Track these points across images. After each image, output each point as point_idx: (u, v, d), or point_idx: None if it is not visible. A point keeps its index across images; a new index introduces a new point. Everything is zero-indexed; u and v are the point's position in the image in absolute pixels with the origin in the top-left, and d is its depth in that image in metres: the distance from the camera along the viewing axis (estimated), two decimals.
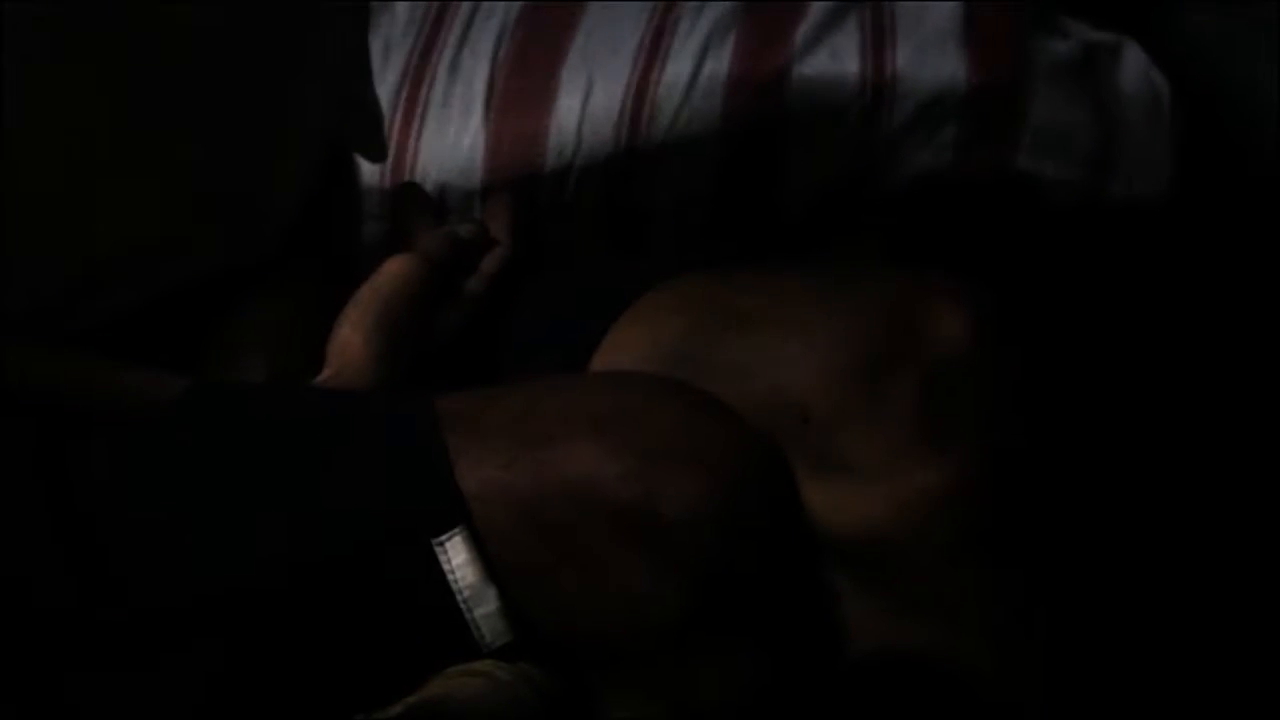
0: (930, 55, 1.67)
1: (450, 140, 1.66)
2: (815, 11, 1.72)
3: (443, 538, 0.96)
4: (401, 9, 1.79)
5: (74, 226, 1.09)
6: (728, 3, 1.75)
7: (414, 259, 1.19)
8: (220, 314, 1.20)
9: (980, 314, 1.11)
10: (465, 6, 1.79)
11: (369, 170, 1.54)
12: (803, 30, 1.70)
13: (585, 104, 1.66)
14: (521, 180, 1.64)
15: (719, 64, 1.68)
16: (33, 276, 1.09)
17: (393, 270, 1.18)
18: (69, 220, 1.09)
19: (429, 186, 1.65)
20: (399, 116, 1.68)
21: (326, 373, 1.14)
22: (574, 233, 1.64)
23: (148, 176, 1.11)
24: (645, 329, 1.15)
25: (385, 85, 1.68)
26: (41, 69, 1.03)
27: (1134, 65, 1.73)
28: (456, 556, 0.96)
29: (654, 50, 1.70)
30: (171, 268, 1.16)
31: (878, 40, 1.69)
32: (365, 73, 1.36)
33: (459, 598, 0.96)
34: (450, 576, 0.96)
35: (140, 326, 1.15)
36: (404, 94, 1.70)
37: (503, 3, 1.79)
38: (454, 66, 1.72)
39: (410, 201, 1.33)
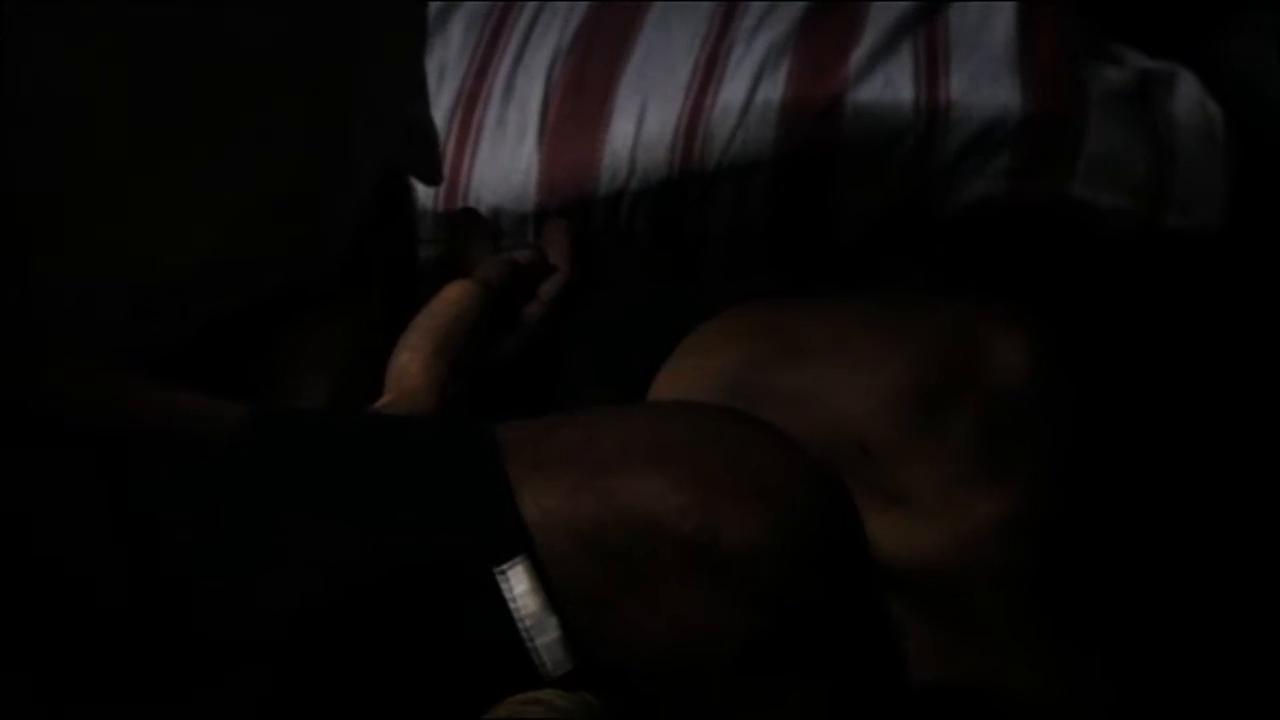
0: (985, 82, 1.67)
1: (504, 163, 1.67)
2: (870, 38, 1.72)
3: (504, 567, 0.96)
4: (456, 31, 1.79)
5: (134, 248, 1.10)
6: (782, 28, 1.75)
7: (472, 285, 1.19)
8: (278, 337, 1.20)
9: (1038, 344, 1.11)
10: (519, 30, 1.80)
11: (423, 193, 1.54)
12: (857, 56, 1.70)
13: (639, 128, 1.66)
14: (575, 204, 1.64)
15: (773, 90, 1.68)
16: (94, 298, 1.09)
17: (451, 296, 1.19)
18: (129, 241, 1.09)
19: (483, 209, 1.65)
20: (453, 139, 1.68)
21: (385, 398, 1.14)
22: (627, 257, 1.64)
23: (207, 196, 1.11)
24: (703, 358, 1.15)
25: (440, 108, 1.68)
26: (104, 95, 1.04)
27: (1188, 94, 1.72)
28: (518, 585, 0.96)
29: (708, 75, 1.70)
30: (230, 288, 1.16)
31: (932, 67, 1.69)
32: (422, 95, 1.36)
33: (520, 626, 0.96)
34: (511, 605, 0.96)
35: (199, 349, 1.16)
36: (458, 116, 1.70)
37: (556, 26, 1.80)
38: (508, 89, 1.72)
39: (468, 226, 1.33)
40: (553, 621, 0.96)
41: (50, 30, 1.01)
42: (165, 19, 1.05)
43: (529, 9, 1.82)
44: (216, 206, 1.12)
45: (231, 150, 1.11)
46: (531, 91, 1.72)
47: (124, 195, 1.07)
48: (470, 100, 1.71)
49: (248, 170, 1.13)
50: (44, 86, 1.02)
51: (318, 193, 1.19)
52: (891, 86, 1.67)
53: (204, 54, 1.07)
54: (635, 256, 1.64)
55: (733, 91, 1.68)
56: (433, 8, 1.76)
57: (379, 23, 1.18)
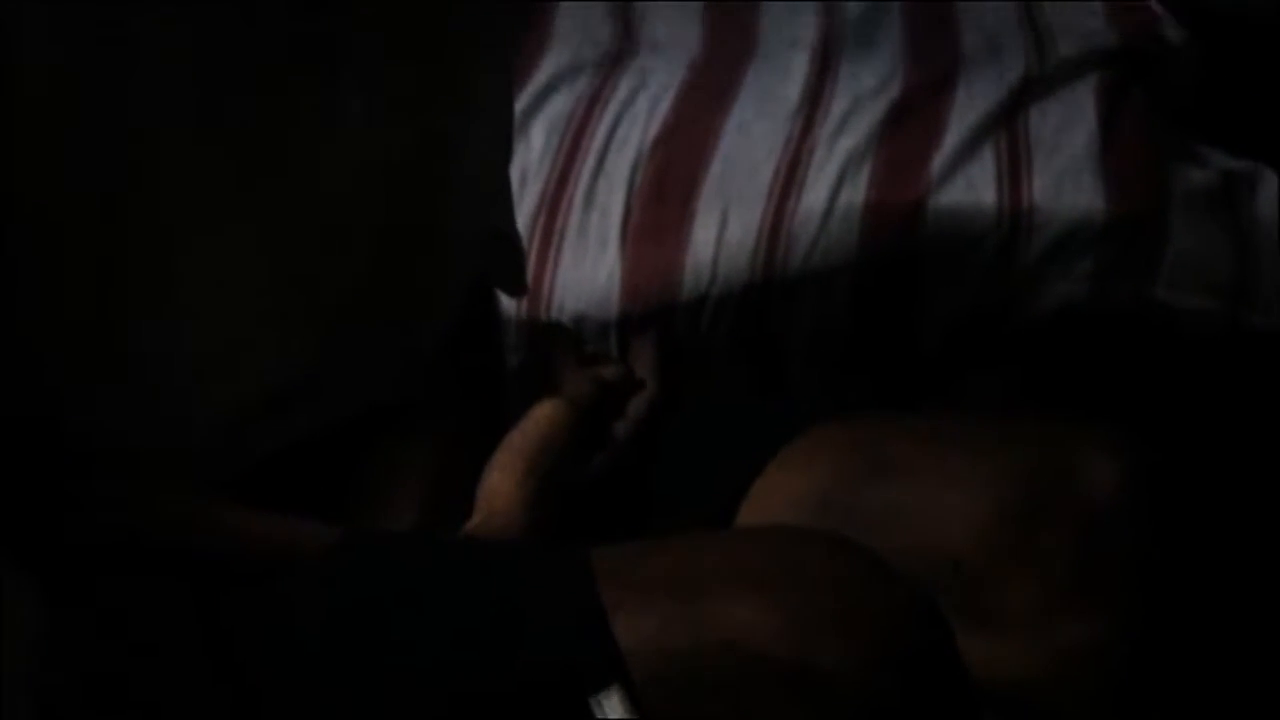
0: (1067, 185, 1.67)
1: (586, 271, 1.67)
2: (951, 141, 1.72)
3: (599, 694, 0.96)
4: (537, 137, 1.80)
5: (224, 369, 1.10)
6: (863, 133, 1.76)
7: (562, 404, 1.20)
8: (368, 456, 1.20)
9: (1129, 464, 1.11)
10: (600, 135, 1.80)
11: (506, 301, 1.55)
12: (938, 160, 1.70)
13: (721, 235, 1.67)
14: (657, 311, 1.65)
15: (855, 194, 1.68)
16: (186, 421, 1.10)
17: (541, 415, 1.19)
18: (219, 362, 1.10)
19: (565, 317, 1.65)
20: (535, 246, 1.68)
21: (476, 519, 1.15)
22: (710, 364, 1.64)
23: (298, 312, 1.12)
24: (793, 477, 1.15)
25: (522, 214, 1.69)
26: (199, 219, 1.05)
27: (1271, 193, 1.72)
28: (613, 713, 0.96)
29: (789, 180, 1.71)
30: (320, 406, 1.16)
31: (1014, 170, 1.69)
32: (507, 205, 1.37)
33: None
34: None
35: (291, 470, 1.16)
36: (540, 223, 1.70)
37: (637, 132, 1.80)
38: (589, 196, 1.73)
39: (553, 339, 1.33)
40: None
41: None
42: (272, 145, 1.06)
43: (609, 114, 1.83)
44: (309, 321, 1.12)
45: (325, 264, 1.12)
46: (613, 198, 1.73)
47: (214, 322, 1.08)
48: (552, 207, 1.72)
49: (340, 284, 1.13)
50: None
51: (407, 306, 1.20)
52: (973, 190, 1.67)
53: (301, 176, 1.08)
54: (719, 367, 1.64)
55: (815, 197, 1.69)
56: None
57: (467, 135, 1.19)
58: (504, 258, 1.36)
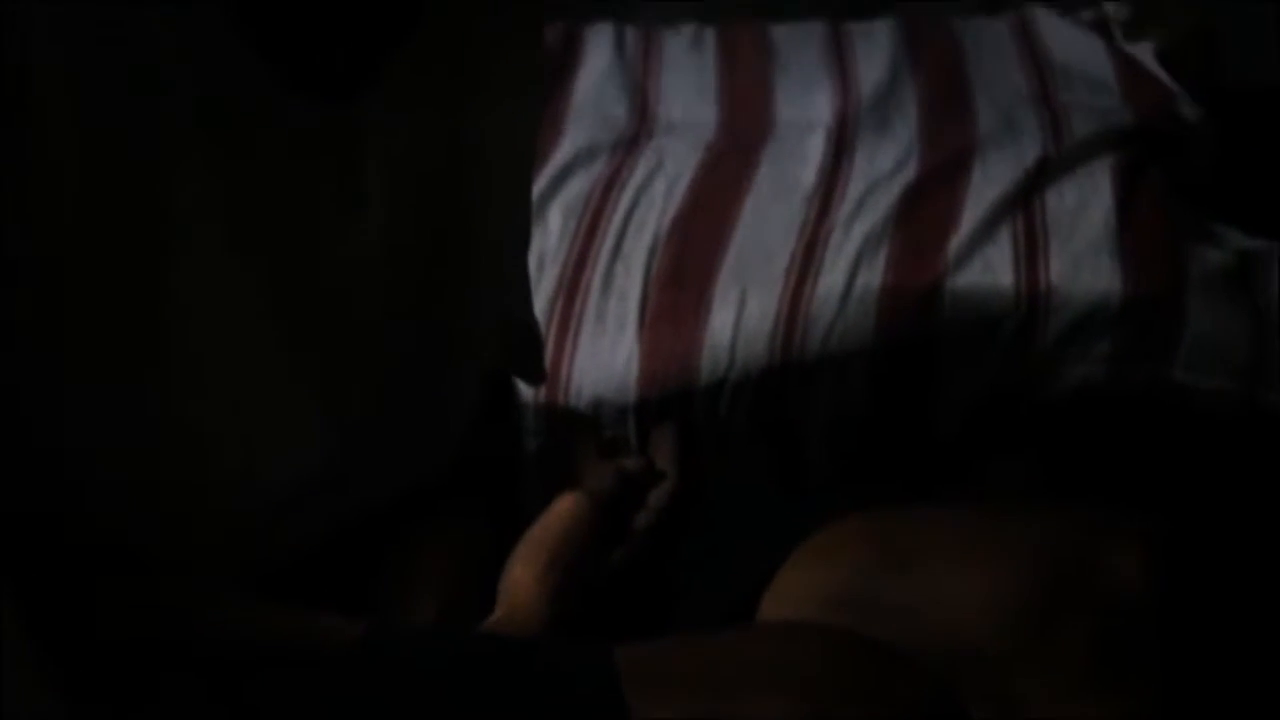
0: (1085, 267, 1.67)
1: (605, 355, 1.67)
2: (967, 224, 1.73)
3: None
4: (555, 221, 1.81)
5: (248, 461, 1.10)
6: (879, 215, 1.76)
7: (583, 498, 1.20)
8: (390, 549, 1.20)
9: (1149, 553, 1.11)
10: (617, 219, 1.81)
11: (523, 386, 1.55)
12: (955, 243, 1.71)
13: (739, 319, 1.67)
14: (675, 395, 1.65)
15: (872, 278, 1.69)
16: (212, 515, 1.10)
17: (562, 509, 1.19)
18: (243, 455, 1.10)
19: (583, 401, 1.65)
20: (553, 330, 1.69)
21: (498, 613, 1.15)
22: (729, 446, 1.64)
23: (319, 404, 1.12)
24: (814, 571, 1.14)
25: (539, 298, 1.70)
26: (221, 313, 1.05)
27: None
28: None
29: (806, 264, 1.71)
30: (343, 498, 1.17)
31: (1031, 252, 1.69)
32: (526, 293, 1.37)
33: None
34: None
35: (311, 565, 1.16)
36: (558, 308, 1.71)
37: (654, 216, 1.81)
38: (607, 280, 1.74)
39: (576, 432, 1.33)
40: None
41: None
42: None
43: (626, 197, 1.84)
44: (330, 412, 1.13)
45: (344, 355, 1.12)
46: (630, 282, 1.73)
47: (246, 403, 1.08)
48: (570, 291, 1.72)
49: (360, 375, 1.14)
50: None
51: (427, 396, 1.20)
52: (991, 272, 1.68)
53: (321, 266, 1.09)
54: (738, 449, 1.64)
55: (832, 280, 1.69)
56: None
57: (486, 227, 1.20)
58: (523, 346, 1.36)
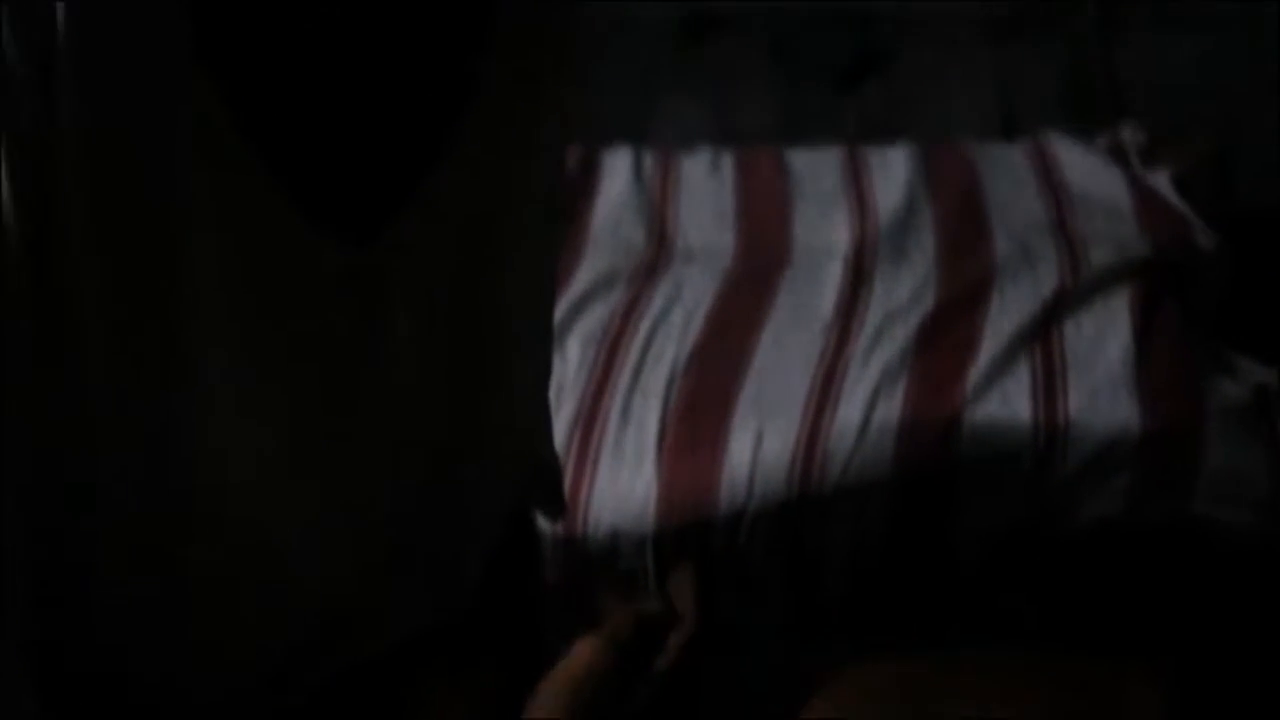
0: (1103, 400, 1.67)
1: (623, 486, 1.67)
2: (985, 356, 1.73)
3: None
4: (573, 351, 1.81)
5: (273, 599, 1.10)
6: (897, 347, 1.76)
7: (602, 642, 1.20)
8: (410, 686, 1.20)
9: (1171, 703, 1.11)
10: (635, 350, 1.81)
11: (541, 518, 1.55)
12: (973, 375, 1.71)
13: (757, 450, 1.67)
14: (693, 527, 1.65)
15: (890, 410, 1.69)
16: (238, 657, 1.10)
17: (583, 653, 1.19)
18: (264, 596, 1.10)
19: (601, 532, 1.65)
20: (571, 461, 1.69)
21: None
22: (747, 578, 1.64)
23: (343, 539, 1.12)
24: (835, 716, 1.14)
25: (557, 429, 1.69)
26: (247, 442, 1.05)
27: None
28: None
29: (824, 395, 1.71)
30: (364, 633, 1.17)
31: (1049, 385, 1.69)
32: (546, 430, 1.37)
33: None
34: None
35: (332, 699, 1.16)
36: (576, 438, 1.71)
37: (672, 346, 1.81)
38: (625, 411, 1.74)
39: (595, 573, 1.33)
40: None
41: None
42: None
43: (644, 328, 1.84)
44: (354, 548, 1.13)
45: (364, 496, 1.12)
46: (648, 413, 1.73)
47: (272, 540, 1.08)
48: (588, 422, 1.72)
49: (382, 511, 1.14)
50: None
51: (448, 532, 1.20)
52: (1009, 405, 1.68)
53: (345, 400, 1.09)
54: (756, 581, 1.64)
55: (850, 412, 1.69)
56: None
57: (510, 365, 1.20)
58: (543, 481, 1.36)
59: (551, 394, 1.60)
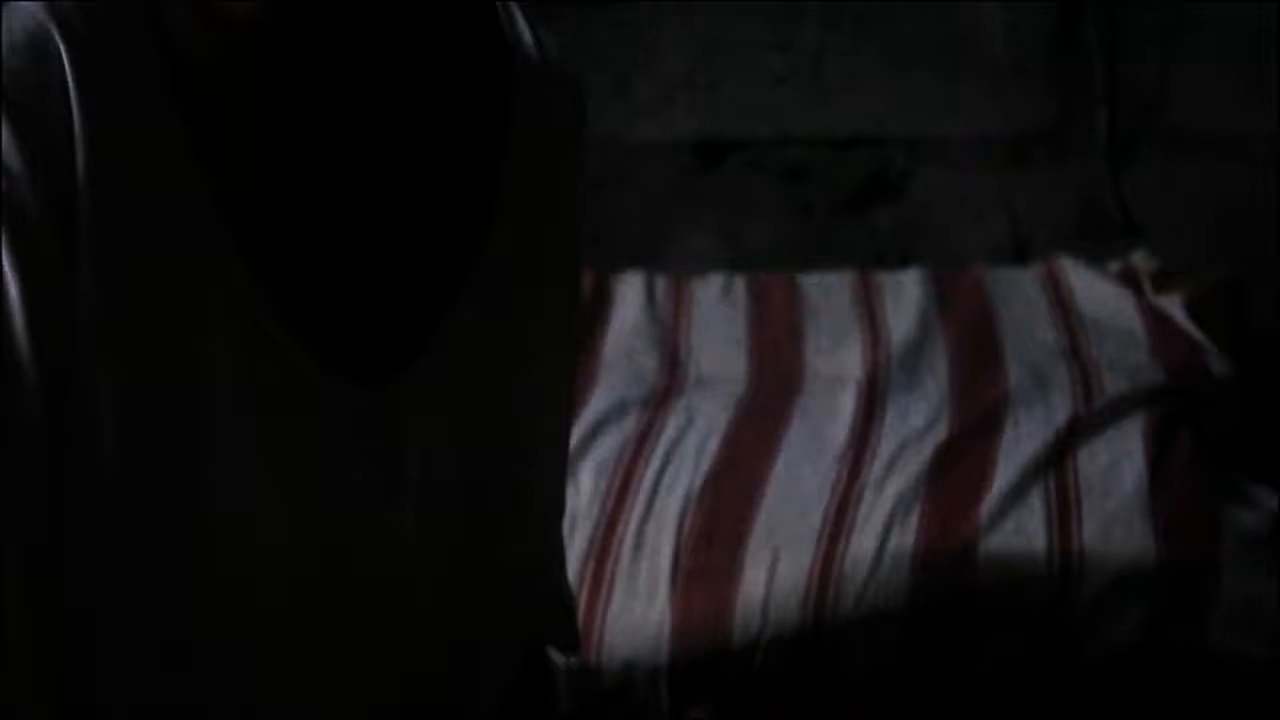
0: (1117, 530, 1.67)
1: (637, 616, 1.66)
2: (999, 484, 1.73)
3: None
4: (586, 480, 1.81)
5: None
6: (911, 475, 1.76)
7: None
8: None
9: None
10: (648, 478, 1.81)
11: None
12: (987, 504, 1.70)
13: (771, 580, 1.66)
14: (708, 656, 1.64)
15: (905, 539, 1.68)
16: None
17: None
18: None
19: (615, 663, 1.64)
20: (585, 592, 1.68)
21: None
22: (763, 708, 1.63)
23: (357, 682, 1.11)
24: None
25: (571, 559, 1.68)
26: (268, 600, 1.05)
27: None
28: None
29: (839, 524, 1.71)
30: None
31: (1064, 514, 1.69)
32: (561, 569, 1.37)
33: None
34: None
35: None
36: (590, 569, 1.70)
37: (685, 475, 1.81)
38: (639, 540, 1.73)
39: (612, 707, 1.33)
40: None
41: None
42: None
43: (657, 455, 1.84)
44: (367, 690, 1.12)
45: (376, 638, 1.12)
46: (662, 542, 1.73)
47: (284, 685, 1.08)
48: (601, 552, 1.72)
49: (392, 658, 1.13)
50: None
51: (464, 673, 1.19)
52: (1023, 534, 1.67)
53: (362, 553, 1.09)
54: (771, 711, 1.63)
55: (864, 541, 1.69)
56: None
57: (526, 504, 1.20)
58: (558, 616, 1.36)
59: (565, 526, 1.60)
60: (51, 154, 0.94)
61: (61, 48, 0.95)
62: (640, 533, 1.74)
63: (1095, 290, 2.13)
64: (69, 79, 0.94)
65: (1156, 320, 2.05)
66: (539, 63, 1.15)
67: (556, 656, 1.46)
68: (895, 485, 1.75)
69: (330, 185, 1.03)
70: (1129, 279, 2.17)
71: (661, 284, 2.23)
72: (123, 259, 0.96)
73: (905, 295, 2.16)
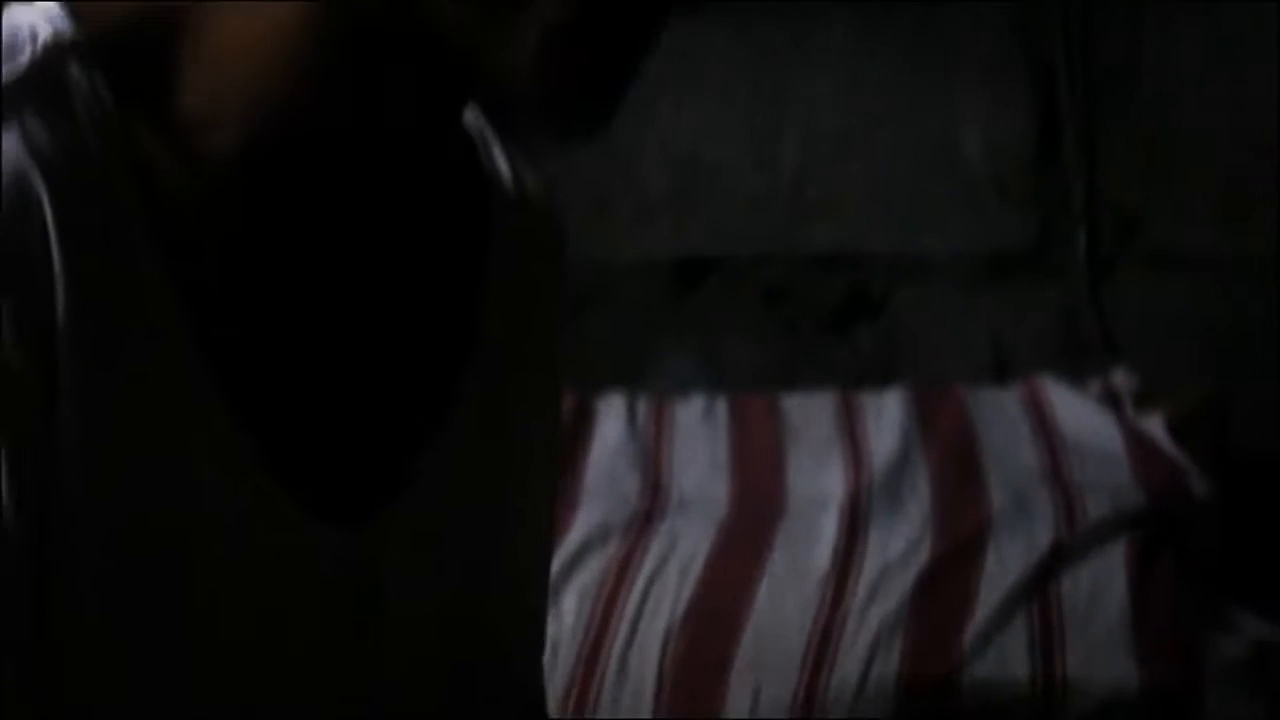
0: (1100, 657, 1.67)
1: None
2: (982, 611, 1.73)
3: None
4: (569, 606, 1.80)
5: None
6: (894, 602, 1.76)
7: None
8: None
9: None
10: (631, 604, 1.81)
11: None
12: (971, 631, 1.70)
13: (754, 708, 1.67)
14: None
15: (888, 667, 1.68)
16: None
17: None
18: None
19: None
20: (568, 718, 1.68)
21: None
22: None
23: None
24: None
25: (552, 688, 1.68)
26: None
27: None
28: None
29: (822, 651, 1.71)
30: None
31: (1046, 642, 1.69)
32: (541, 694, 1.36)
33: None
34: None
35: None
36: (573, 696, 1.70)
37: (668, 602, 1.81)
38: (622, 668, 1.73)
39: None
40: None
41: None
42: None
43: (640, 582, 1.84)
44: None
45: None
46: (645, 670, 1.72)
47: None
48: (584, 680, 1.72)
49: None
50: None
51: None
52: (1006, 663, 1.67)
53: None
54: None
55: (848, 669, 1.68)
56: None
57: (508, 634, 1.19)
58: None
59: (547, 652, 1.59)
60: (32, 299, 0.94)
61: (41, 189, 0.95)
62: (624, 660, 1.74)
63: (1076, 410, 2.13)
64: (48, 221, 0.94)
65: (1138, 441, 2.05)
66: (517, 197, 1.15)
67: None
68: (878, 611, 1.75)
69: (310, 323, 1.03)
70: (1110, 398, 2.17)
71: (643, 405, 2.23)
72: (106, 403, 0.96)
73: (887, 416, 2.16)
